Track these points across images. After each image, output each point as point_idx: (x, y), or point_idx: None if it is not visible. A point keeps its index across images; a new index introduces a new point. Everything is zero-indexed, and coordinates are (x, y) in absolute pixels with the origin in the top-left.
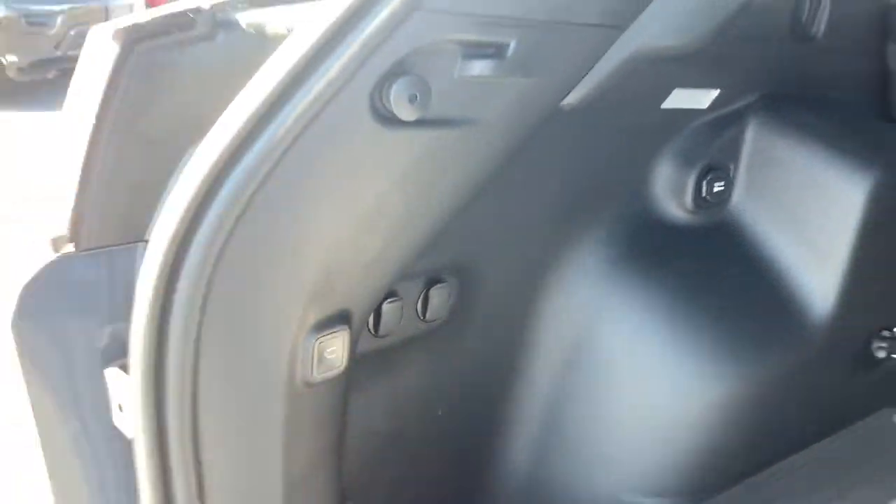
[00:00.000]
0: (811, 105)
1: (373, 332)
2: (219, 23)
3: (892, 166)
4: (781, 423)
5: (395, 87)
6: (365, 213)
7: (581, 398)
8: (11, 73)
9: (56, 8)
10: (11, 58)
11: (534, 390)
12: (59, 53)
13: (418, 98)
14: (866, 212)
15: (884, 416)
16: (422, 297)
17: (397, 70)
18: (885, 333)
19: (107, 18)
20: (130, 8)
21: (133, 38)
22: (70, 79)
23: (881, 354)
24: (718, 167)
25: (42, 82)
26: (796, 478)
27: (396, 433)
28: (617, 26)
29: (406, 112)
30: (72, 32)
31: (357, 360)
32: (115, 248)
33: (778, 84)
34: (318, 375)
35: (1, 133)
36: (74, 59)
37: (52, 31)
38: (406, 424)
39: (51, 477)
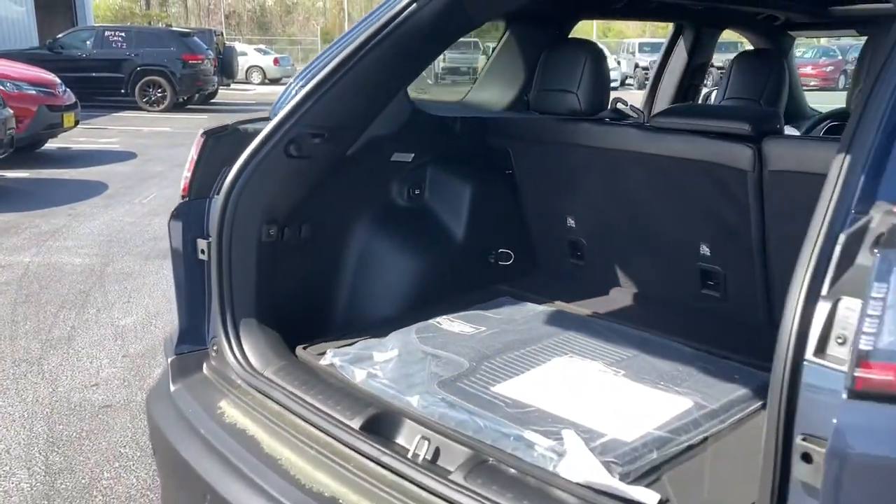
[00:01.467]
0: (454, 161)
1: (282, 239)
2: (234, 129)
3: (479, 184)
4: (447, 284)
5: (291, 145)
6: (279, 189)
7: (366, 271)
8: None
9: None
10: None
11: (347, 269)
12: None
13: (298, 149)
14: (471, 201)
15: (494, 287)
16: (300, 228)
17: (291, 140)
18: (493, 252)
19: None
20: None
21: (208, 133)
22: None
23: (492, 261)
24: (418, 183)
25: None
26: (458, 302)
27: (292, 280)
28: (363, 127)
29: (294, 153)
30: None
31: (275, 249)
32: (199, 199)
33: (440, 151)
34: (266, 239)
35: None
36: None
37: None
38: (295, 279)
39: (175, 283)
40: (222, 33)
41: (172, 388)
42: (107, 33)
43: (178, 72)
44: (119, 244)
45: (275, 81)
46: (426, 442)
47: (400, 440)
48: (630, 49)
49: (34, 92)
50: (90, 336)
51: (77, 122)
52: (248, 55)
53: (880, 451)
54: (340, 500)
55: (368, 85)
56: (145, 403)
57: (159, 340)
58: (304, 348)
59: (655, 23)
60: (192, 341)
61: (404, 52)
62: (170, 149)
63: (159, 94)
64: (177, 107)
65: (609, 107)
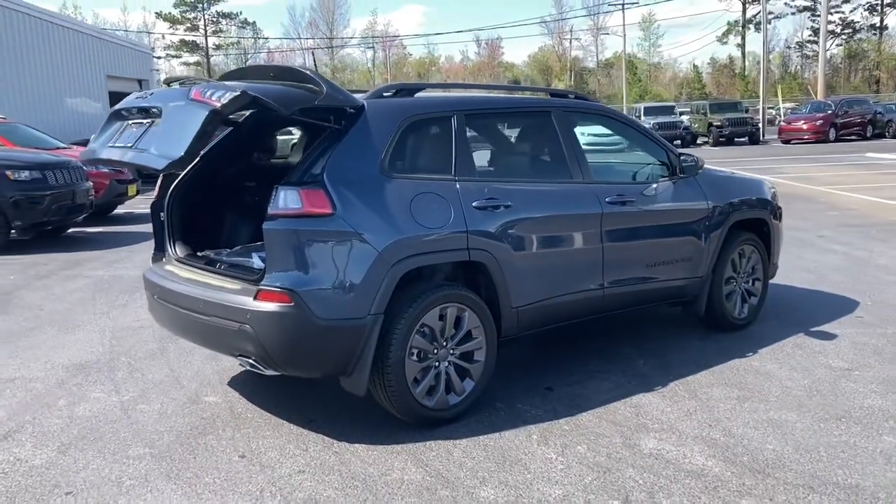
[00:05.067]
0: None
1: (193, 214)
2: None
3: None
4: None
5: (194, 179)
6: (190, 196)
7: (232, 228)
8: (17, 233)
9: (46, 192)
10: (17, 223)
11: (224, 227)
12: (45, 219)
13: (198, 181)
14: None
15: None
16: (201, 210)
17: (193, 178)
18: None
19: (74, 196)
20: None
21: (163, 176)
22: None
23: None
24: (259, 195)
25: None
26: None
27: (198, 230)
28: (227, 172)
29: (196, 183)
30: (53, 207)
31: (190, 217)
32: (161, 198)
33: (269, 181)
34: (185, 214)
35: None
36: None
37: (42, 207)
38: (198, 229)
39: (153, 229)
40: None
41: (152, 266)
42: None
43: None
44: None
45: None
46: (223, 265)
47: (217, 266)
48: None
49: (106, 170)
50: (136, 304)
51: (138, 192)
52: None
53: None
54: (196, 279)
55: (225, 158)
56: (142, 276)
57: None
58: (200, 252)
59: (684, 87)
60: (158, 250)
61: (239, 148)
62: None
63: None
64: None
65: None
